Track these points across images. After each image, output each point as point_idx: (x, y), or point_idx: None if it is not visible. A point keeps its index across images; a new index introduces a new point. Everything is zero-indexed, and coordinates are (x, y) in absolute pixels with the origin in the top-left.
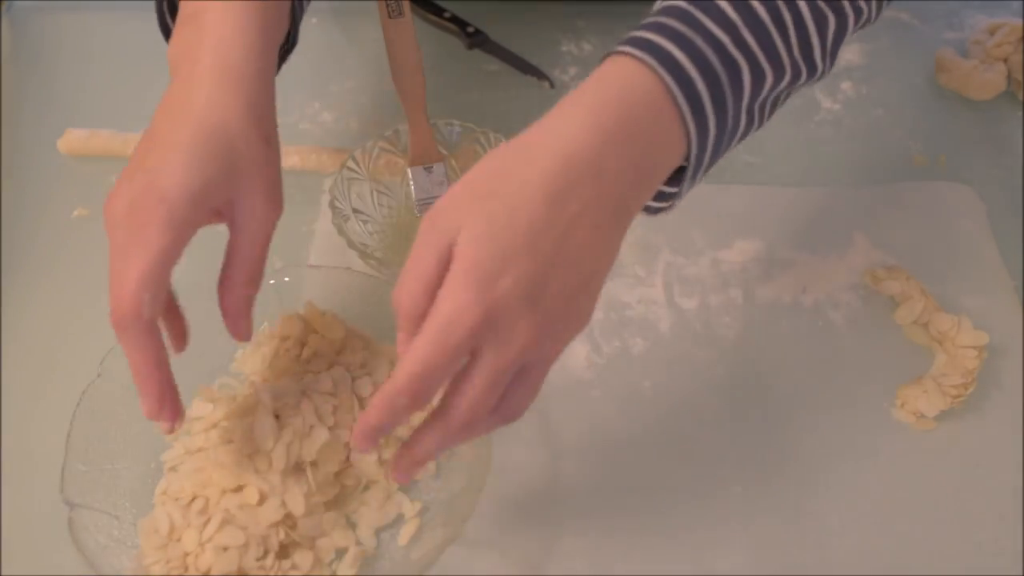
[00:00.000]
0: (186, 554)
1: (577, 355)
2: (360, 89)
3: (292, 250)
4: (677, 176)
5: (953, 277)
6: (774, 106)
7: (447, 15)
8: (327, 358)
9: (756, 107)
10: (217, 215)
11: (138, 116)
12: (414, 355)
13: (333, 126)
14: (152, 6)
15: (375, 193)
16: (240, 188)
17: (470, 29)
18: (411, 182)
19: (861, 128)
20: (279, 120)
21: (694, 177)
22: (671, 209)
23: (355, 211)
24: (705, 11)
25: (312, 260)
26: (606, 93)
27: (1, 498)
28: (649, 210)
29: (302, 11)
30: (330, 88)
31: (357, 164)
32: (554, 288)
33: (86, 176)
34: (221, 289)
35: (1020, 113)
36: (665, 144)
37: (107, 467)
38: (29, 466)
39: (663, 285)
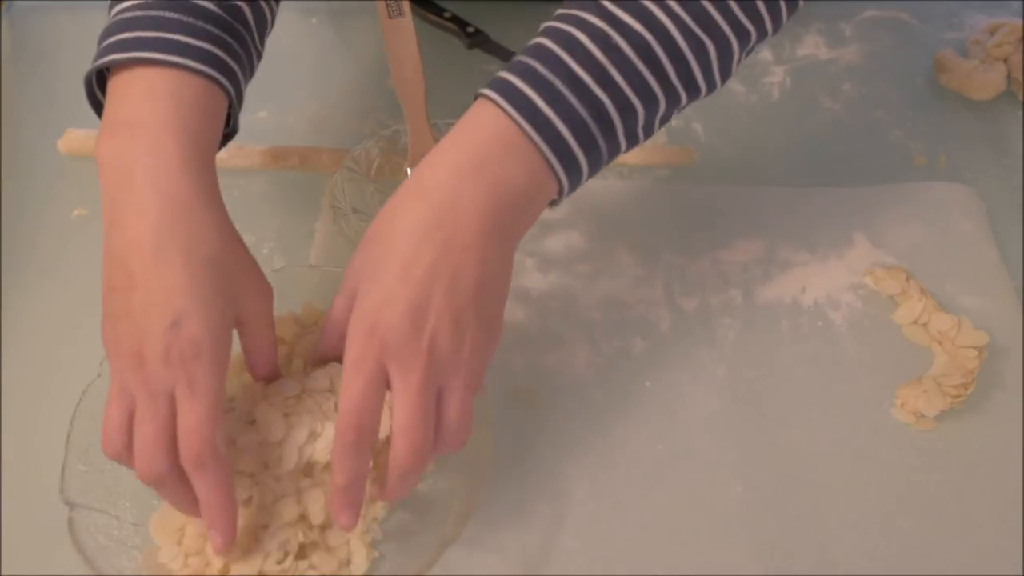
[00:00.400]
0: (202, 549)
1: (577, 355)
2: (360, 89)
3: (292, 250)
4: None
5: (953, 277)
6: (663, 122)
7: (447, 15)
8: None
9: (639, 130)
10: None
11: None
12: (343, 397)
13: (333, 126)
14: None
15: (375, 193)
16: (241, 299)
17: (470, 29)
18: None
19: (861, 128)
20: (279, 120)
21: (571, 192)
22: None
23: (355, 211)
24: (571, 52)
25: (312, 260)
26: (465, 135)
27: (1, 498)
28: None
29: (241, 99)
30: (330, 88)
31: (357, 164)
32: (437, 309)
33: (86, 176)
34: (252, 373)
35: (1020, 113)
36: (527, 174)
37: (107, 467)
38: (29, 466)
39: (663, 285)
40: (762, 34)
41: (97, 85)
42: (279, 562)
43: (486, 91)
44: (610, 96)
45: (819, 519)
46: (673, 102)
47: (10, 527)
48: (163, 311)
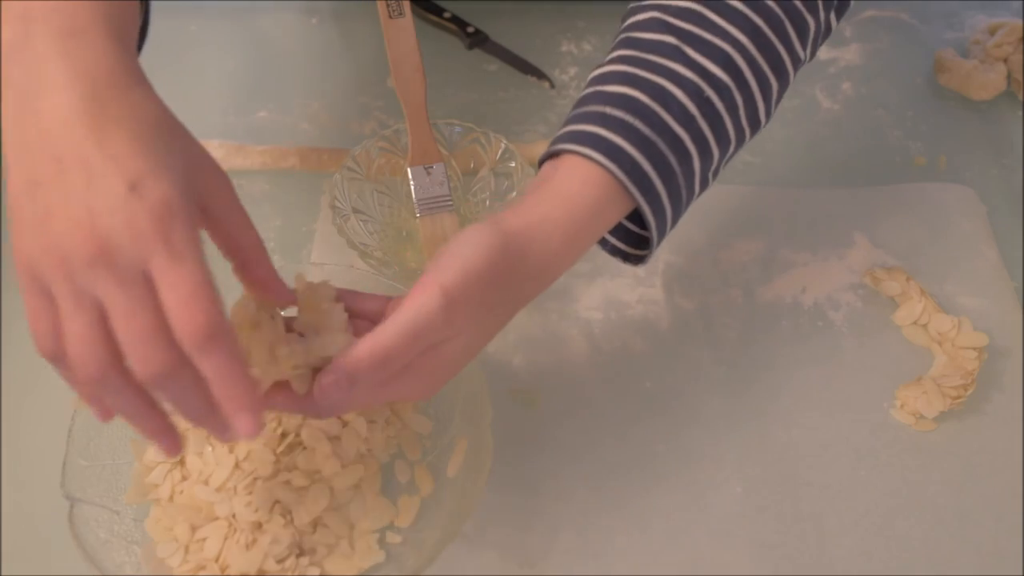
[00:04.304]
0: (203, 542)
1: (577, 355)
2: (360, 89)
3: (292, 250)
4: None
5: (953, 278)
6: (725, 164)
7: (447, 15)
8: None
9: (710, 175)
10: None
11: None
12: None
13: (333, 126)
14: (152, 6)
15: (375, 193)
16: (199, 175)
17: (470, 29)
18: (411, 182)
19: (861, 128)
20: (279, 120)
21: (659, 244)
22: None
23: (355, 211)
24: (666, 107)
25: (312, 260)
26: (578, 205)
27: (1, 493)
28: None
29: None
30: (330, 88)
31: (357, 164)
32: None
33: None
34: (241, 271)
35: (1020, 113)
36: (605, 232)
37: (108, 462)
38: (30, 462)
39: (663, 285)
40: (806, 60)
41: None
42: (279, 561)
43: (588, 152)
44: (698, 148)
45: (819, 519)
46: (739, 144)
47: (10, 522)
48: (116, 179)
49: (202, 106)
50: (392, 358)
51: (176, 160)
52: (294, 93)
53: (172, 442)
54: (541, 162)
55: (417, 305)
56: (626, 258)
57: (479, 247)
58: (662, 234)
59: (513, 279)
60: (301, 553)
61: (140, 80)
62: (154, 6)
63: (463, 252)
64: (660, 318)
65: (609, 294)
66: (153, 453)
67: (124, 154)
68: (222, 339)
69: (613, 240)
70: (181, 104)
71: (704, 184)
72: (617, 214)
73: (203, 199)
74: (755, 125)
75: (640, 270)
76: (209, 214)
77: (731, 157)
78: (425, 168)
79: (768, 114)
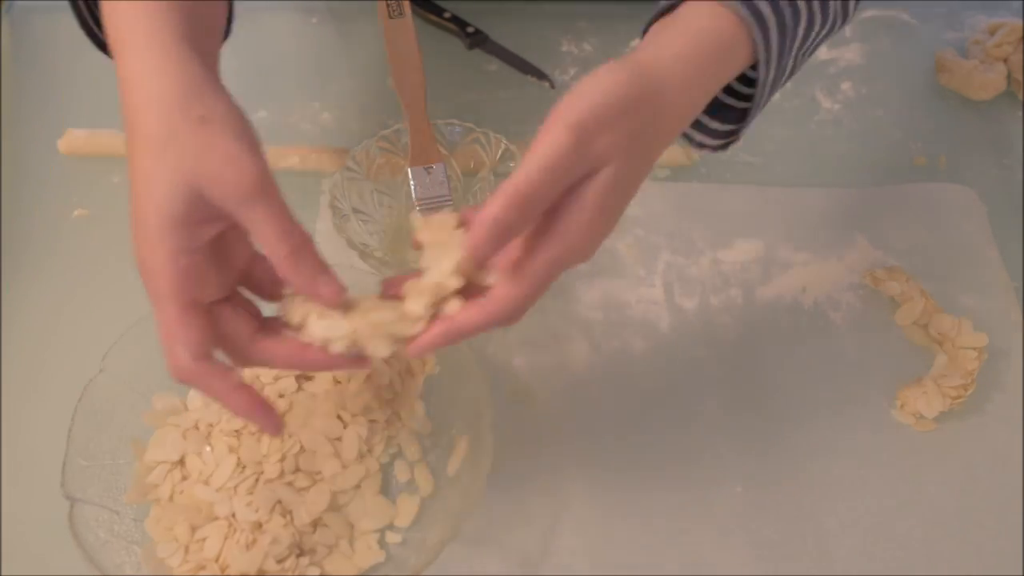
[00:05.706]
0: (203, 542)
1: (577, 355)
2: (360, 89)
3: None
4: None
5: (953, 278)
6: (806, 58)
7: (447, 15)
8: None
9: (802, 54)
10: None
11: None
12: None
13: (333, 126)
14: None
15: (375, 193)
16: (204, 184)
17: (470, 29)
18: (411, 182)
19: (861, 128)
20: (279, 120)
21: (753, 117)
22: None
23: (355, 211)
24: None
25: None
26: (704, 41)
27: (1, 494)
28: (715, 146)
29: None
30: (330, 88)
31: (357, 164)
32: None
33: (86, 176)
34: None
35: (1020, 113)
36: (730, 76)
37: (108, 462)
38: (30, 462)
39: (663, 285)
40: (847, 14)
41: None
42: (279, 561)
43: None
44: (808, 10)
45: (819, 519)
46: (831, 26)
47: (10, 522)
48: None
49: None
50: (531, 195)
51: (176, 186)
52: (294, 93)
53: (266, 420)
54: (645, 30)
55: (546, 143)
56: (704, 146)
57: (605, 79)
58: (759, 99)
59: (649, 107)
60: (301, 553)
61: (176, 75)
62: None
63: (587, 88)
64: (660, 318)
65: (609, 294)
66: (153, 453)
67: (137, 182)
68: (192, 381)
69: (698, 136)
70: None
71: (794, 65)
72: (735, 62)
73: (215, 205)
74: (844, 7)
75: (640, 270)
76: (229, 216)
77: (812, 48)
78: (425, 168)
79: (845, 14)
